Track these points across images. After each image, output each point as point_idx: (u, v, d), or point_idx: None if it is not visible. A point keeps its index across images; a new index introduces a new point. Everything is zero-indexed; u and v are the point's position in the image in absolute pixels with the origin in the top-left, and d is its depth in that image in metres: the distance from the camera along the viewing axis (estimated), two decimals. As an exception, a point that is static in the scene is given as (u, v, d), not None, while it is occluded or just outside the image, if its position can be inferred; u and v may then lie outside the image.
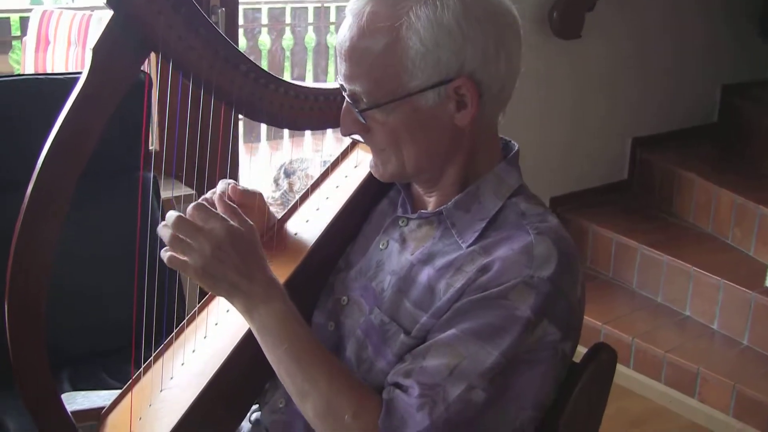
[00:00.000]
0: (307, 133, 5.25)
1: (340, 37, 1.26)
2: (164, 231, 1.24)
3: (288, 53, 5.75)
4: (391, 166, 1.31)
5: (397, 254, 1.34)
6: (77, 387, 2.20)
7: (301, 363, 1.24)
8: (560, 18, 3.50)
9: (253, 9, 5.69)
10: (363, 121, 1.28)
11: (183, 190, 2.78)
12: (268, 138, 5.53)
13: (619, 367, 3.23)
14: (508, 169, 1.34)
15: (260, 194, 1.48)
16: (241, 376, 1.34)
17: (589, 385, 1.31)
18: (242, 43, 5.58)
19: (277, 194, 4.34)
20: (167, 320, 1.49)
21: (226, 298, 1.27)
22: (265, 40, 5.64)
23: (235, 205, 1.31)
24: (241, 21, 5.73)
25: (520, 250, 1.22)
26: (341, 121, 1.31)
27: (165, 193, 2.60)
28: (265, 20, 5.71)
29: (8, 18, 5.30)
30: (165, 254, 1.25)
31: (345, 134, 1.33)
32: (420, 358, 1.21)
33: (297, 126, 1.39)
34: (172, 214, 1.23)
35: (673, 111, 4.16)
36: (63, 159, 1.25)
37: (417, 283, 1.28)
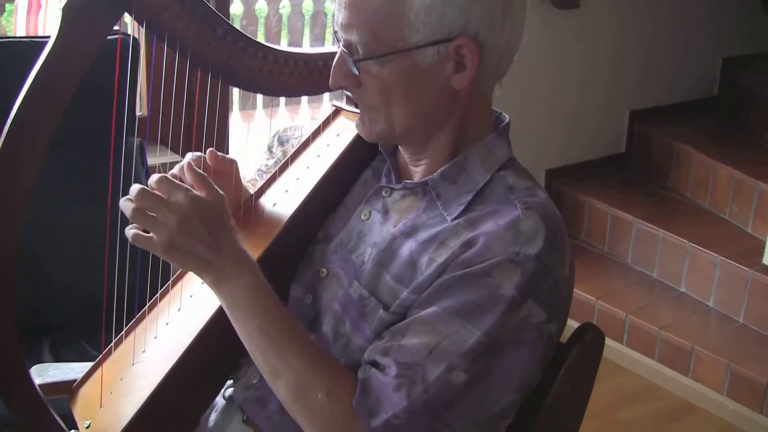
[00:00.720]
0: (304, 100, 5.18)
1: None
2: (127, 205, 1.17)
3: (285, 20, 5.67)
4: (380, 124, 1.25)
5: (379, 225, 1.30)
6: (58, 355, 2.17)
7: (273, 339, 1.19)
8: (559, -14, 3.43)
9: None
10: (356, 73, 1.22)
11: (171, 157, 2.72)
12: (265, 105, 5.46)
13: (612, 343, 3.23)
14: (498, 141, 1.29)
15: (235, 162, 1.43)
16: (215, 350, 1.29)
17: (575, 367, 1.26)
18: (239, 9, 5.50)
19: (271, 162, 4.30)
20: (144, 293, 1.44)
21: (196, 273, 1.22)
22: (262, 6, 5.56)
23: (204, 174, 1.24)
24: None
25: (506, 226, 1.17)
26: (332, 72, 1.24)
27: (152, 160, 2.56)
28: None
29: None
30: (129, 231, 1.19)
31: (334, 87, 1.27)
32: (399, 335, 1.17)
33: (275, 92, 1.34)
34: (135, 187, 1.17)
35: (673, 84, 4.10)
36: (33, 122, 1.20)
37: (398, 257, 1.23)
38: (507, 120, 1.33)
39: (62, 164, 2.21)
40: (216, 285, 1.21)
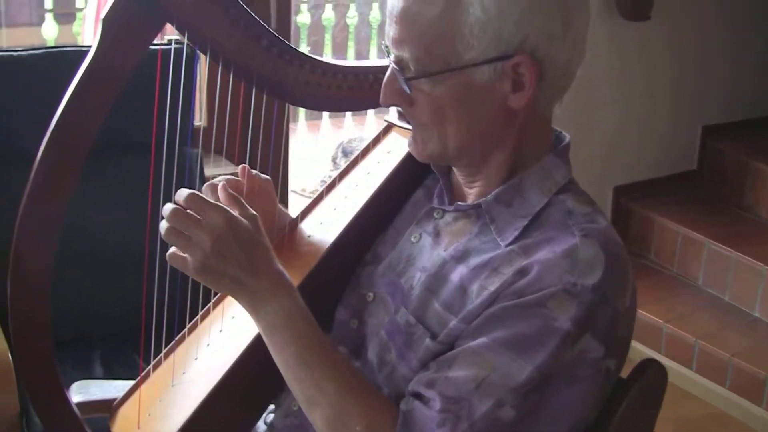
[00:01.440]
0: (370, 111, 5.16)
1: None
2: (162, 224, 1.13)
3: (352, 30, 5.64)
4: (432, 144, 1.19)
5: (429, 249, 1.23)
6: (108, 368, 2.15)
7: (310, 367, 1.13)
8: (628, -1, 3.32)
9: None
10: (407, 91, 1.16)
11: (229, 168, 2.69)
12: (331, 116, 5.45)
13: (681, 369, 3.12)
14: (557, 162, 1.21)
15: (270, 180, 1.37)
16: (257, 374, 1.24)
17: (635, 405, 1.17)
18: (306, 19, 5.49)
19: (335, 173, 4.26)
20: (188, 308, 1.39)
21: (231, 296, 1.18)
22: (329, 16, 5.55)
23: (236, 194, 1.20)
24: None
25: (562, 254, 1.10)
26: (382, 89, 1.19)
27: (210, 170, 2.53)
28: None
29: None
30: (169, 251, 1.15)
31: (385, 105, 1.21)
32: (445, 366, 1.10)
33: (321, 106, 1.31)
34: (168, 207, 1.13)
35: (749, 98, 3.95)
36: (71, 133, 1.18)
37: (448, 283, 1.17)
38: (567, 139, 1.25)
39: (118, 173, 2.20)
40: (252, 308, 1.16)
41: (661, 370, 1.22)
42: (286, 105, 1.32)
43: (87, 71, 1.15)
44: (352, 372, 1.16)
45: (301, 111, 4.81)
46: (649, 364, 1.21)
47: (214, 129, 2.74)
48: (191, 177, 2.36)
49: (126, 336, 2.16)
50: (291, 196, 3.08)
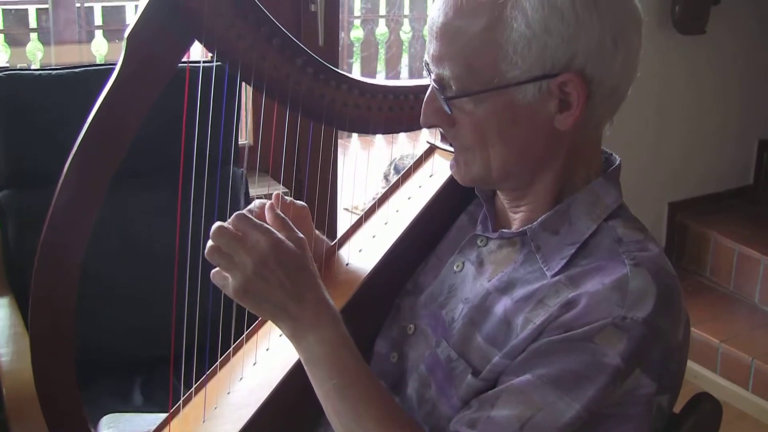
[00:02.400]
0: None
1: (433, 12, 1.08)
2: (208, 243, 1.09)
3: (406, 46, 5.60)
4: (475, 167, 1.12)
5: (472, 279, 1.16)
6: (149, 396, 2.10)
7: (351, 402, 1.07)
8: (683, 11, 3.25)
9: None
10: (448, 111, 1.09)
11: (275, 188, 2.65)
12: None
13: (736, 389, 3.01)
14: (606, 186, 1.14)
15: (306, 207, 1.32)
16: (292, 407, 1.19)
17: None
18: (359, 34, 5.47)
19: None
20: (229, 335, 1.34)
21: (272, 321, 1.12)
22: (383, 31, 5.52)
23: (283, 216, 1.15)
24: (357, 11, 5.64)
25: (612, 285, 1.03)
26: (423, 109, 1.13)
27: (256, 191, 2.49)
28: (383, 11, 5.57)
29: (123, 6, 5.30)
30: (213, 271, 1.10)
31: (425, 125, 1.15)
32: (488, 405, 1.03)
33: (359, 128, 1.23)
34: (215, 225, 1.08)
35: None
36: (96, 153, 1.13)
37: (492, 315, 1.10)
38: (618, 162, 1.18)
39: (164, 194, 2.16)
40: (294, 336, 1.10)
41: (716, 404, 1.15)
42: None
43: (111, 91, 1.11)
44: (394, 409, 1.10)
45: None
46: (702, 398, 1.14)
47: (259, 148, 2.70)
48: (235, 196, 2.32)
49: (168, 362, 2.13)
50: (343, 214, 3.02)
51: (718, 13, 3.36)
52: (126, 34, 1.10)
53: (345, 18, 5.41)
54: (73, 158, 1.12)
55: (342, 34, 5.29)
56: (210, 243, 1.08)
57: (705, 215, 3.61)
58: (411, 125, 1.24)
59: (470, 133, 1.10)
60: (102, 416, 1.51)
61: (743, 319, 3.31)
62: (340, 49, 3.06)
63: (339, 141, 3.41)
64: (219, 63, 1.14)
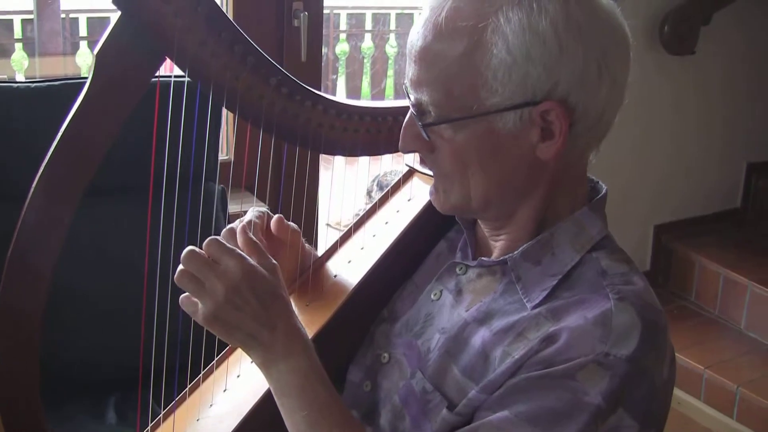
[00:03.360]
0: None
1: (412, 34, 1.05)
2: (179, 267, 1.05)
3: (392, 62, 5.58)
4: (454, 195, 1.09)
5: (449, 308, 1.13)
6: (123, 415, 2.06)
7: None
8: (672, 32, 3.22)
9: (357, 14, 5.55)
10: (426, 138, 1.06)
11: (257, 204, 2.60)
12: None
13: (721, 417, 2.98)
14: (591, 216, 1.10)
15: (297, 231, 1.28)
16: None
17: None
18: (345, 48, 5.45)
19: (369, 207, 4.18)
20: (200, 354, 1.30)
21: (243, 349, 1.08)
22: (369, 45, 5.50)
23: (256, 240, 1.11)
24: (343, 26, 5.63)
25: (594, 320, 0.99)
26: (402, 134, 1.09)
27: (235, 207, 2.44)
28: (369, 26, 5.56)
29: (108, 17, 5.28)
30: (182, 296, 1.06)
31: (404, 151, 1.13)
32: None
33: (334, 150, 1.19)
34: (187, 249, 1.05)
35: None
36: (65, 169, 1.10)
37: (469, 347, 1.07)
38: (604, 191, 1.14)
39: (143, 210, 2.12)
40: (264, 365, 1.07)
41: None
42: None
43: (81, 107, 1.07)
44: None
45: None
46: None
47: (244, 164, 2.66)
48: (214, 213, 2.27)
49: (144, 381, 2.09)
50: (325, 230, 2.99)
51: (708, 34, 3.34)
52: (95, 51, 1.06)
53: (331, 32, 5.39)
54: (41, 173, 1.09)
55: (326, 50, 5.29)
56: (180, 267, 1.04)
57: (691, 238, 3.57)
58: (389, 147, 1.21)
59: (449, 161, 1.06)
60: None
61: (729, 346, 3.26)
62: (323, 64, 3.03)
63: (322, 156, 3.37)
64: (178, 79, 1.11)
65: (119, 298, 2.10)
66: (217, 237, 1.07)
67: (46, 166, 1.08)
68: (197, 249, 1.05)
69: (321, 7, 2.79)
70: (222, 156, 2.82)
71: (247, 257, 1.05)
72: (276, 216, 1.26)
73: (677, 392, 3.07)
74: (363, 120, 1.19)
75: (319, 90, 1.19)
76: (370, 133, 1.19)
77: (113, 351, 2.07)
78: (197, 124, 1.38)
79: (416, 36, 1.04)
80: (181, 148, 1.25)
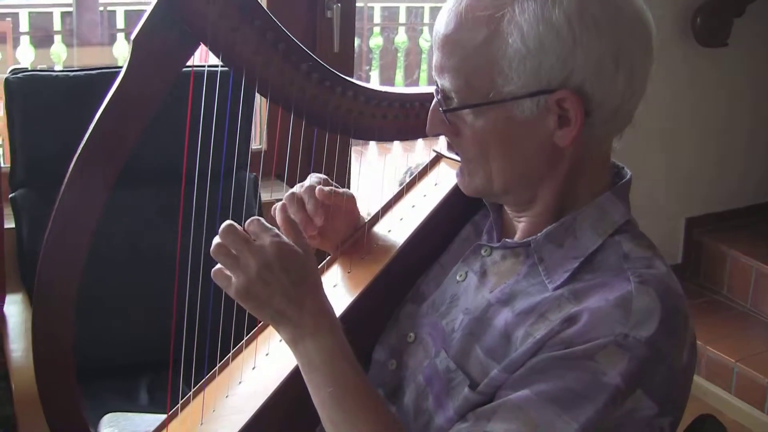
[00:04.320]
0: (441, 136, 5.10)
1: (437, 23, 1.08)
2: (214, 241, 1.09)
3: (425, 55, 5.61)
4: (478, 179, 1.12)
5: (474, 289, 1.15)
6: (153, 396, 2.10)
7: (346, 410, 1.07)
8: (704, 24, 3.22)
9: (391, 7, 5.58)
10: (447, 123, 1.10)
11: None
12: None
13: (751, 411, 2.97)
14: (614, 201, 1.12)
15: (352, 197, 1.33)
16: (288, 413, 1.18)
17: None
18: (379, 42, 5.48)
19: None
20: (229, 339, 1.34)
21: (272, 325, 1.12)
22: (402, 38, 5.53)
23: (295, 221, 1.16)
24: (377, 19, 5.67)
25: (615, 302, 1.01)
26: (429, 118, 1.13)
27: (268, 196, 2.48)
28: (403, 19, 5.59)
29: (145, 9, 5.35)
30: (215, 267, 1.10)
31: (430, 133, 1.15)
32: (484, 420, 1.02)
33: (364, 135, 1.23)
34: (225, 223, 1.09)
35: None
36: (100, 153, 1.15)
37: (492, 327, 1.09)
38: (628, 176, 1.16)
39: (175, 199, 2.16)
40: (293, 342, 1.10)
41: (719, 427, 1.12)
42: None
43: (117, 92, 1.12)
44: (389, 420, 1.09)
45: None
46: (706, 420, 1.12)
47: (275, 153, 2.70)
48: (247, 202, 2.31)
49: (176, 363, 2.13)
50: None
51: (741, 26, 3.32)
52: (132, 36, 1.10)
53: (365, 25, 5.43)
54: (78, 156, 1.13)
55: (360, 42, 5.32)
56: (217, 240, 1.08)
57: (723, 232, 3.57)
58: (416, 133, 1.24)
59: (472, 145, 1.10)
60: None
61: (760, 339, 3.25)
62: (356, 56, 3.06)
63: (355, 147, 3.39)
64: (212, 68, 1.14)
65: (153, 285, 2.15)
66: (260, 218, 1.10)
67: (83, 148, 1.13)
68: (236, 224, 1.08)
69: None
70: (255, 145, 2.87)
71: (284, 237, 1.09)
72: (327, 188, 1.29)
73: (707, 385, 3.07)
74: (392, 106, 1.21)
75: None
76: (399, 119, 1.22)
77: (146, 337, 2.13)
78: (230, 113, 1.42)
79: (440, 24, 1.07)
80: (213, 137, 1.28)
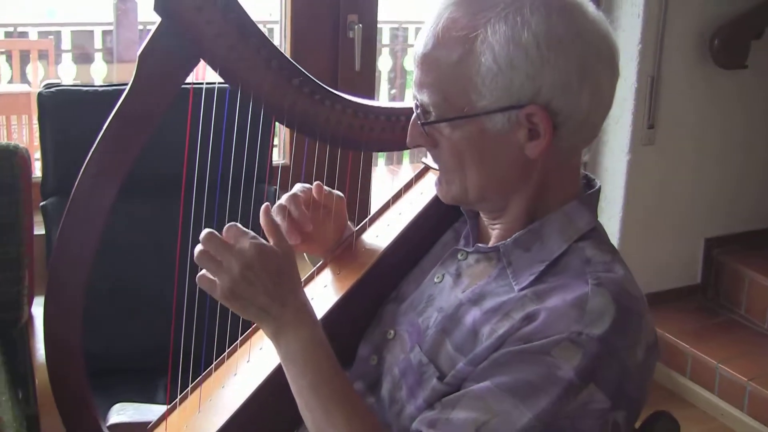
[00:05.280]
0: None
1: (417, 42, 1.17)
2: (197, 247, 1.18)
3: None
4: (455, 187, 1.21)
5: (448, 290, 1.24)
6: (173, 395, 2.19)
7: (321, 398, 1.16)
8: (723, 46, 3.25)
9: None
10: (425, 135, 1.19)
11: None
12: (411, 161, 5.52)
13: (764, 430, 2.99)
14: (580, 209, 1.20)
15: (342, 197, 1.43)
16: (274, 404, 1.27)
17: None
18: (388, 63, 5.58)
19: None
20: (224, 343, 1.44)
21: (256, 322, 1.22)
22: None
23: (277, 222, 1.25)
24: (386, 40, 5.78)
25: (572, 302, 1.09)
26: (409, 130, 1.22)
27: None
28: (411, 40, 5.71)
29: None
30: (199, 273, 1.19)
31: (410, 145, 1.24)
32: (449, 408, 1.10)
33: (352, 146, 1.31)
34: (204, 231, 1.18)
35: None
36: (107, 159, 1.25)
37: (462, 325, 1.17)
38: (597, 186, 1.24)
39: (198, 209, 2.26)
40: (274, 336, 1.19)
41: (672, 423, 1.19)
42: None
43: (123, 105, 1.21)
44: (360, 406, 1.18)
45: (381, 156, 4.88)
46: (660, 416, 1.19)
47: (291, 167, 2.79)
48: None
49: (194, 366, 2.23)
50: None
51: (759, 48, 3.36)
52: (138, 52, 1.20)
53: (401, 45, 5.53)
54: (89, 158, 1.23)
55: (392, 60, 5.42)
56: (200, 247, 1.17)
57: (741, 253, 3.59)
58: (401, 145, 1.31)
59: (449, 156, 1.18)
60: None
61: (775, 359, 3.29)
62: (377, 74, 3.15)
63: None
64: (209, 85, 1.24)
65: (169, 291, 2.25)
66: (236, 222, 1.19)
67: (93, 151, 1.24)
68: (215, 231, 1.18)
69: (375, 19, 2.92)
70: (281, 160, 2.97)
71: (260, 239, 1.18)
72: (315, 183, 1.39)
73: (720, 404, 3.10)
74: (378, 119, 1.30)
75: (375, 98, 1.31)
76: (384, 131, 1.31)
77: (163, 339, 2.22)
78: (250, 128, 1.51)
79: (419, 43, 1.16)
80: (234, 150, 1.38)
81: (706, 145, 3.45)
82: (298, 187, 1.38)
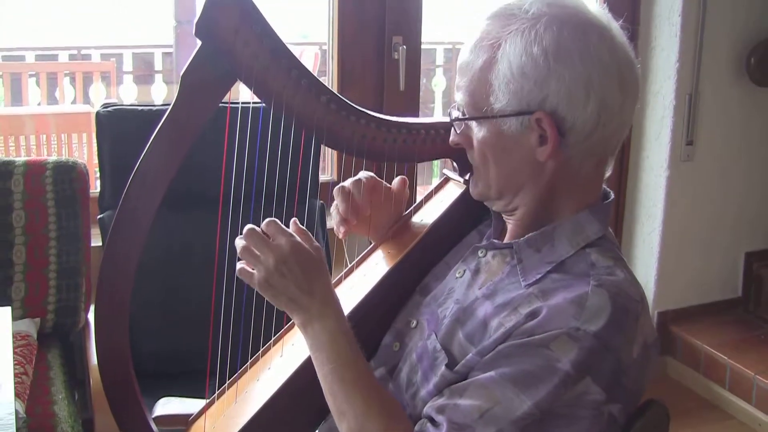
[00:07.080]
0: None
1: (460, 52, 1.31)
2: (239, 242, 1.32)
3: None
4: (481, 184, 1.34)
5: (467, 284, 1.35)
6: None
7: (344, 383, 1.28)
8: (759, 64, 3.30)
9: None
10: (457, 131, 1.33)
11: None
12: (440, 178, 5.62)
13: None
14: (590, 219, 1.30)
15: (404, 179, 1.57)
16: (305, 392, 1.37)
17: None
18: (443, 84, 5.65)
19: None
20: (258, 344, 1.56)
21: (287, 312, 1.34)
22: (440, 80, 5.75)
23: (306, 230, 1.37)
24: (440, 60, 5.88)
25: (572, 300, 1.19)
26: (451, 131, 1.36)
27: (332, 223, 2.68)
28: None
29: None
30: (238, 265, 1.32)
31: (452, 144, 1.37)
32: (456, 395, 1.21)
33: (375, 157, 1.41)
34: (247, 227, 1.31)
35: None
36: (148, 179, 1.38)
37: (474, 317, 1.28)
38: (610, 199, 1.34)
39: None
40: (303, 325, 1.32)
41: (663, 410, 1.27)
42: (415, 165, 1.49)
43: (167, 121, 1.34)
44: (379, 392, 1.29)
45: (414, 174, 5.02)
46: (651, 404, 1.27)
47: (336, 182, 2.91)
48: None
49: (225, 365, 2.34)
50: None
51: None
52: (181, 72, 1.32)
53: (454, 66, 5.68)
54: (137, 169, 1.36)
55: (425, 80, 5.52)
56: (242, 242, 1.31)
57: (782, 265, 3.63)
58: (422, 157, 1.43)
59: (477, 155, 1.32)
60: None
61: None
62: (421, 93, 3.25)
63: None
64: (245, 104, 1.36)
65: (218, 299, 2.37)
66: (276, 219, 1.33)
67: (140, 162, 1.36)
68: (256, 227, 1.32)
69: (419, 40, 3.03)
70: (329, 177, 3.09)
71: (296, 237, 1.32)
72: (400, 177, 1.55)
73: (758, 415, 3.14)
74: (399, 132, 1.40)
75: (419, 116, 1.42)
76: (406, 144, 1.41)
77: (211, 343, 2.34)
78: (294, 146, 1.62)
79: (462, 52, 1.30)
80: (279, 167, 1.50)
81: (743, 160, 3.50)
82: (362, 174, 1.52)
